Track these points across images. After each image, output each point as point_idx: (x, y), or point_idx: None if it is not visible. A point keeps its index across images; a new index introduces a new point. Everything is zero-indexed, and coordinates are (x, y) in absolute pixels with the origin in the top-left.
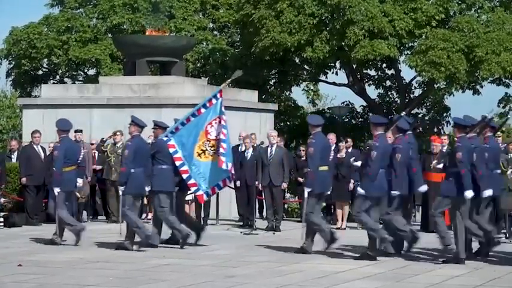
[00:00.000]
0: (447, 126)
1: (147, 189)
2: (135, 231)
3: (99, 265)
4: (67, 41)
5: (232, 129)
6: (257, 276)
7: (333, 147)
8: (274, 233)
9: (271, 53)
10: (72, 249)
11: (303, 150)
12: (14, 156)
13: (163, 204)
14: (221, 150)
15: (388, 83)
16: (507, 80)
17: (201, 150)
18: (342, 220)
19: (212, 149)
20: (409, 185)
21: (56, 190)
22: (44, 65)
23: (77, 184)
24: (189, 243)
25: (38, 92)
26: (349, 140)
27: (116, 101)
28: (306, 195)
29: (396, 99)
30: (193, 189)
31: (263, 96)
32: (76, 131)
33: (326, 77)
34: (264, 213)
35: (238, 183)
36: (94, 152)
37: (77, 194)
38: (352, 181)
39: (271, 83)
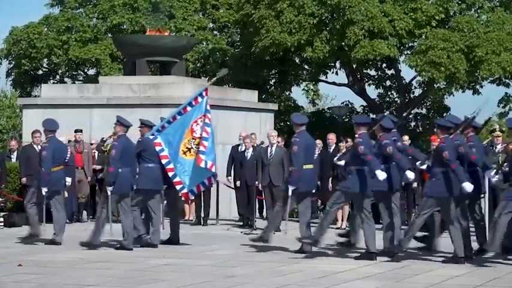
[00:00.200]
0: None
1: (135, 187)
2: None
3: (99, 265)
4: (67, 41)
5: (232, 129)
6: (257, 276)
7: (333, 147)
8: (274, 233)
9: (271, 53)
10: (73, 249)
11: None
12: (14, 156)
13: (136, 203)
14: (201, 148)
15: (388, 83)
16: (507, 80)
17: (187, 148)
18: (342, 220)
19: (197, 147)
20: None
21: (44, 190)
22: (44, 65)
23: (66, 183)
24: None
25: (38, 92)
26: (349, 140)
27: (116, 101)
28: (290, 193)
29: (396, 99)
30: (178, 187)
31: (263, 96)
32: (76, 131)
33: (326, 77)
34: (264, 213)
35: (238, 183)
36: (94, 152)
37: (65, 193)
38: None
39: (271, 83)
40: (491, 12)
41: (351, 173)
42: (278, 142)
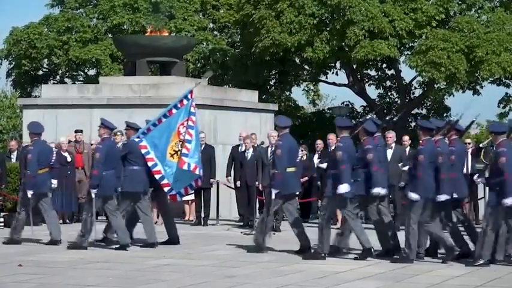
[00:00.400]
0: None
1: (119, 190)
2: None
3: (99, 265)
4: (67, 41)
5: (233, 129)
6: (257, 276)
7: (333, 148)
8: (274, 233)
9: (271, 53)
10: (73, 249)
11: (303, 150)
12: (14, 156)
13: (123, 205)
14: (184, 150)
15: (388, 83)
16: (507, 81)
17: (174, 151)
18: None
19: (181, 149)
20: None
21: (29, 193)
22: (44, 65)
23: (52, 186)
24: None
25: (38, 92)
26: None
27: (116, 101)
28: (273, 196)
29: (396, 99)
30: (166, 189)
31: (263, 97)
32: (76, 131)
33: (326, 77)
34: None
35: (238, 183)
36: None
37: (49, 194)
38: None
39: (272, 83)
40: (492, 12)
41: (329, 177)
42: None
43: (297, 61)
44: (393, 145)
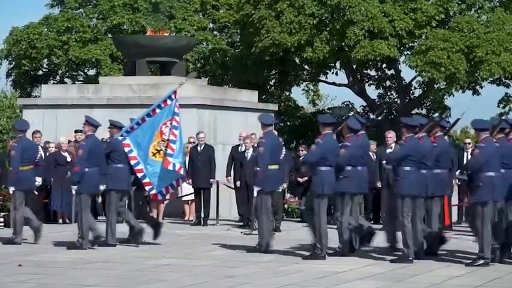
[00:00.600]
0: None
1: (102, 188)
2: (88, 231)
3: (99, 265)
4: (67, 41)
5: (232, 129)
6: (257, 276)
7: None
8: (274, 233)
9: (271, 53)
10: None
11: (303, 150)
12: None
13: (114, 202)
14: (169, 151)
15: (388, 83)
16: (507, 80)
17: (156, 150)
18: None
19: (166, 149)
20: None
21: (11, 189)
22: (44, 65)
23: (36, 183)
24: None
25: (38, 92)
26: None
27: (116, 101)
28: (255, 194)
29: (396, 99)
30: (147, 188)
31: (263, 97)
32: (76, 131)
33: (326, 77)
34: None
35: (238, 183)
36: None
37: (35, 192)
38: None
39: (271, 83)
40: (491, 12)
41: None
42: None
43: (297, 61)
44: (393, 145)
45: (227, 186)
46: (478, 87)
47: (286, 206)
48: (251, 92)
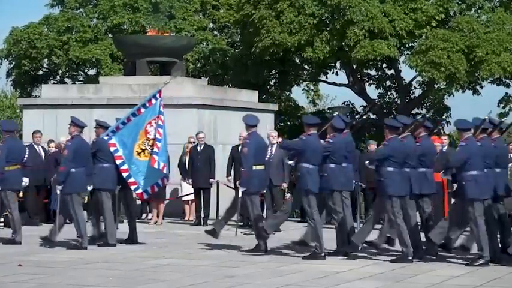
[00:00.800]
0: (447, 126)
1: (89, 188)
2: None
3: (99, 265)
4: (67, 41)
5: (232, 129)
6: (257, 276)
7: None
8: (274, 233)
9: (271, 53)
10: (73, 249)
11: None
12: None
13: (106, 201)
14: (155, 149)
15: (388, 83)
16: (507, 80)
17: (141, 149)
18: None
19: (151, 148)
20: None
21: None
22: (44, 65)
23: (23, 183)
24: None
25: (38, 92)
26: None
27: (116, 101)
28: (240, 194)
29: (396, 99)
30: (133, 187)
31: (263, 97)
32: None
33: (326, 77)
34: (264, 213)
35: (238, 183)
36: None
37: (21, 193)
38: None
39: (272, 83)
40: (492, 12)
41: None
42: (278, 142)
43: (297, 61)
44: None
45: (227, 186)
46: (478, 87)
47: None
48: (251, 92)
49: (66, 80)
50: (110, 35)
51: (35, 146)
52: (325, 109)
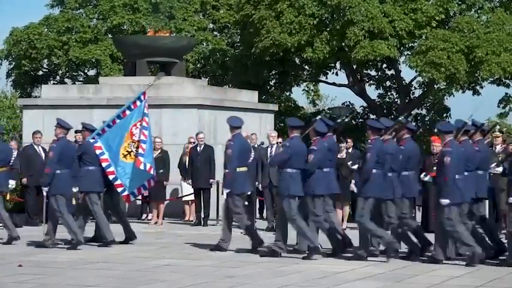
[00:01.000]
0: None
1: (75, 190)
2: (76, 228)
3: (99, 265)
4: (67, 42)
5: None
6: (257, 276)
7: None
8: (274, 233)
9: (271, 53)
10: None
11: None
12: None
13: (95, 203)
14: (140, 151)
15: (388, 83)
16: (507, 81)
17: (127, 151)
18: (342, 220)
19: (137, 150)
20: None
21: None
22: (44, 66)
23: (9, 186)
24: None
25: (38, 92)
26: (349, 140)
27: (116, 102)
28: (225, 196)
29: (396, 99)
30: (119, 189)
31: (263, 97)
32: (76, 132)
33: (326, 78)
34: (264, 214)
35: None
36: None
37: (8, 196)
38: (353, 181)
39: (272, 83)
40: (492, 12)
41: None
42: (278, 143)
43: (297, 61)
44: None
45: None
46: (478, 88)
47: None
48: (251, 92)
49: (66, 80)
50: (110, 36)
51: (35, 146)
52: (325, 109)
